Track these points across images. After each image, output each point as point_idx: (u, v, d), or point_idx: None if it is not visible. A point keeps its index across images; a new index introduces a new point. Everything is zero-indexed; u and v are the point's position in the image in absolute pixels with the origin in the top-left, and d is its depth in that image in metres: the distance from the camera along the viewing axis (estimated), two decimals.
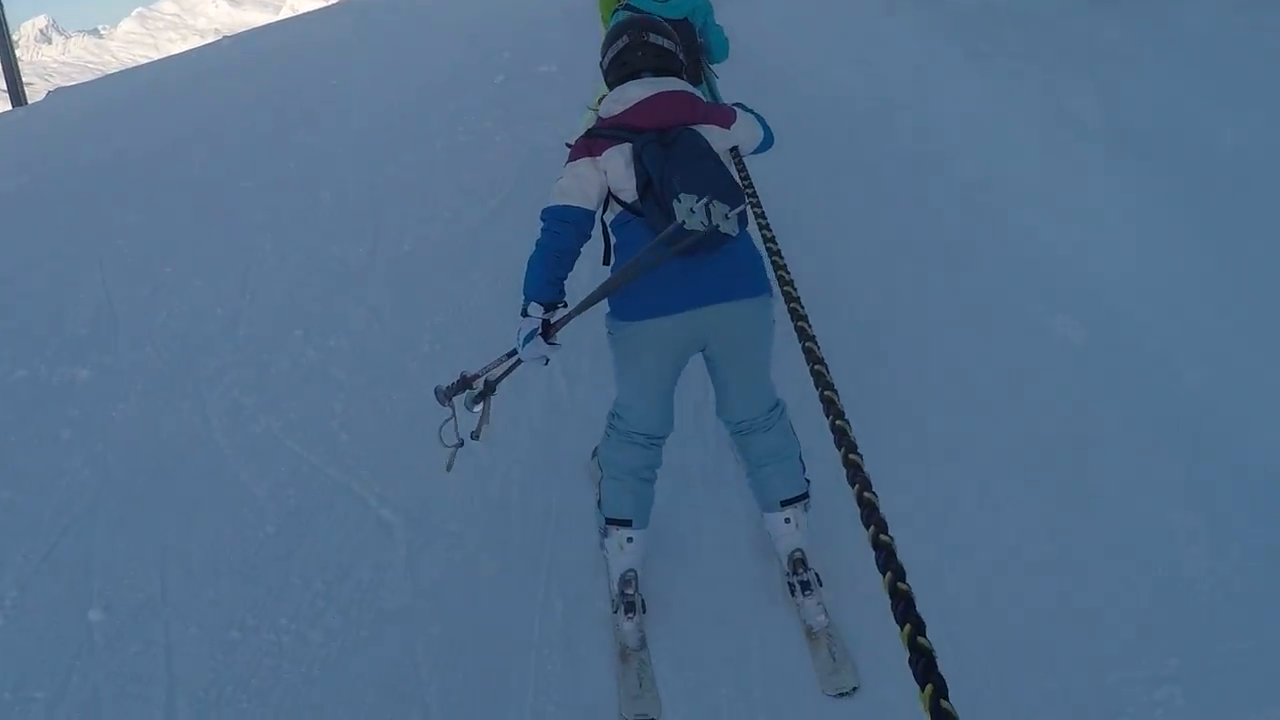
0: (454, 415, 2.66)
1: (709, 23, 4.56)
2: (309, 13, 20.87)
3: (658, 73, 2.78)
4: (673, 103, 2.67)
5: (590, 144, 2.67)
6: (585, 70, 6.05)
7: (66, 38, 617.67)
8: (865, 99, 6.69)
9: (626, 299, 2.58)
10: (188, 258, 5.61)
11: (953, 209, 5.06)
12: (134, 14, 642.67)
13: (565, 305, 2.58)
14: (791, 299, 2.14)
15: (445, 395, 2.64)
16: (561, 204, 2.60)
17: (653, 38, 2.80)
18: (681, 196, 2.17)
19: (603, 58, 2.91)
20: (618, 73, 2.82)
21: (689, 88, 2.78)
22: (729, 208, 2.13)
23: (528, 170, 6.20)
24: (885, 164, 5.72)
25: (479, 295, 4.79)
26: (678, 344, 2.66)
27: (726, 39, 4.69)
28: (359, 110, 8.28)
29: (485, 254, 5.21)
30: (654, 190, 2.51)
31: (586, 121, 3.51)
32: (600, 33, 4.01)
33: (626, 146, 2.61)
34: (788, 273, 2.30)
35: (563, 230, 2.60)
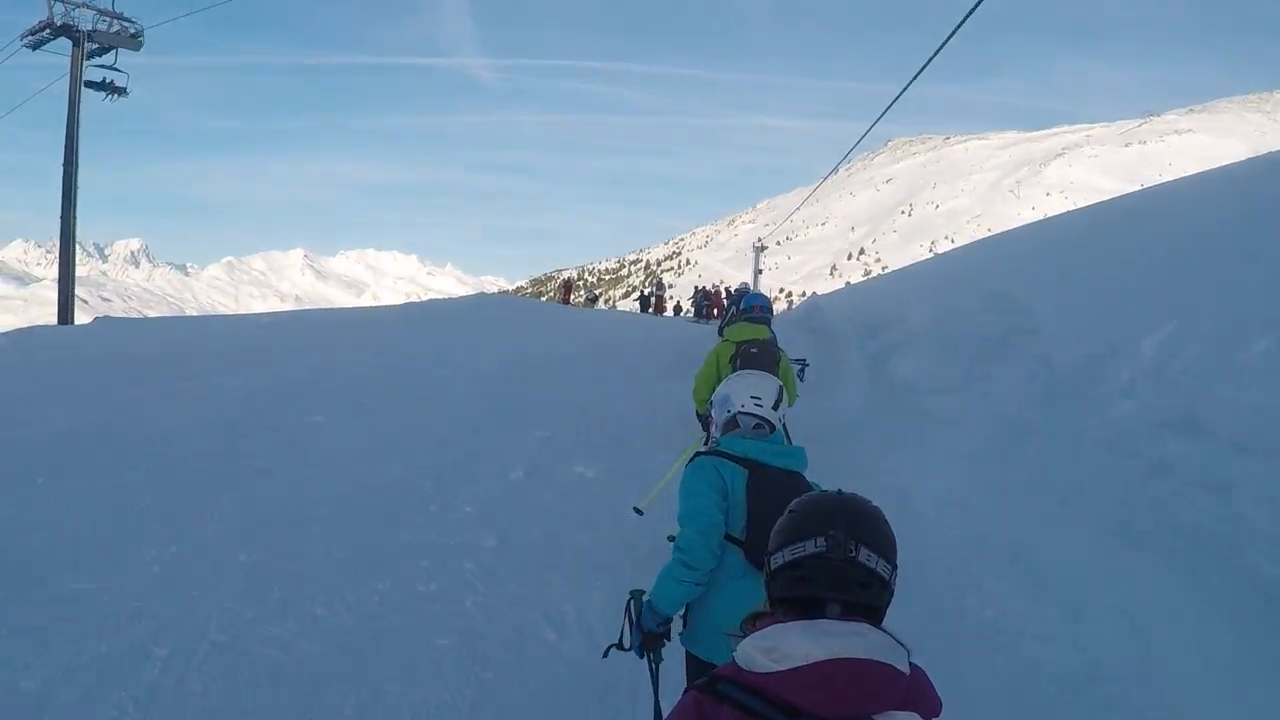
0: None
1: None
2: (380, 308, 23.21)
3: (849, 609, 1.79)
4: (865, 677, 1.67)
5: (698, 713, 1.75)
6: (631, 478, 7.38)
7: (155, 266, 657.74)
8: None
9: None
10: None
11: None
12: (223, 261, 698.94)
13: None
14: None
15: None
16: None
17: (864, 555, 1.79)
18: None
19: (772, 553, 1.90)
20: (783, 587, 1.85)
21: (892, 645, 1.73)
22: None
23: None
24: None
25: None
26: None
27: None
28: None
29: None
30: None
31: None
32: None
33: None
34: None
35: None
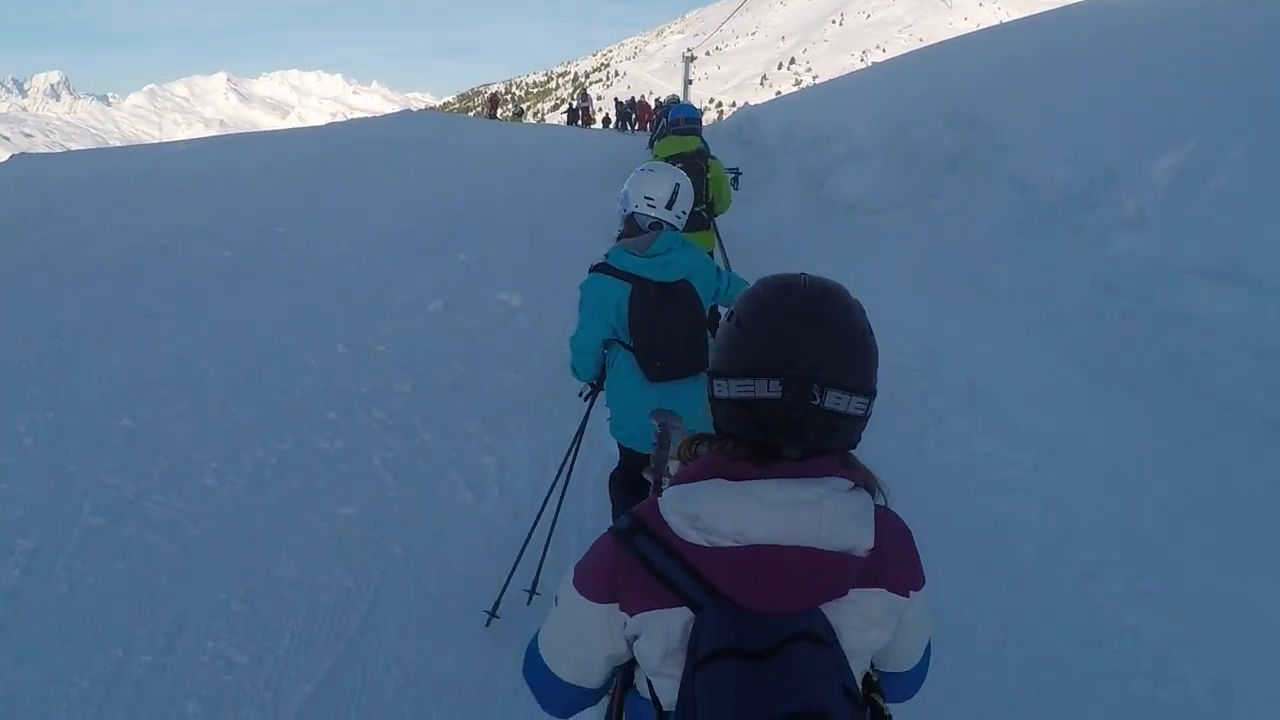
0: None
1: (731, 282, 3.54)
2: (306, 129, 21.09)
3: (812, 452, 1.40)
4: (808, 571, 1.32)
5: (613, 566, 1.43)
6: (558, 302, 6.46)
7: (75, 98, 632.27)
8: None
9: None
10: None
11: None
12: (145, 89, 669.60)
13: None
14: None
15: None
16: (546, 668, 1.54)
17: (831, 400, 1.35)
18: None
19: (715, 374, 1.44)
20: (730, 423, 1.43)
21: (854, 515, 1.34)
22: None
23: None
24: None
25: None
26: None
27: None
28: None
29: None
30: None
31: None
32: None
33: (687, 615, 1.35)
34: None
35: None
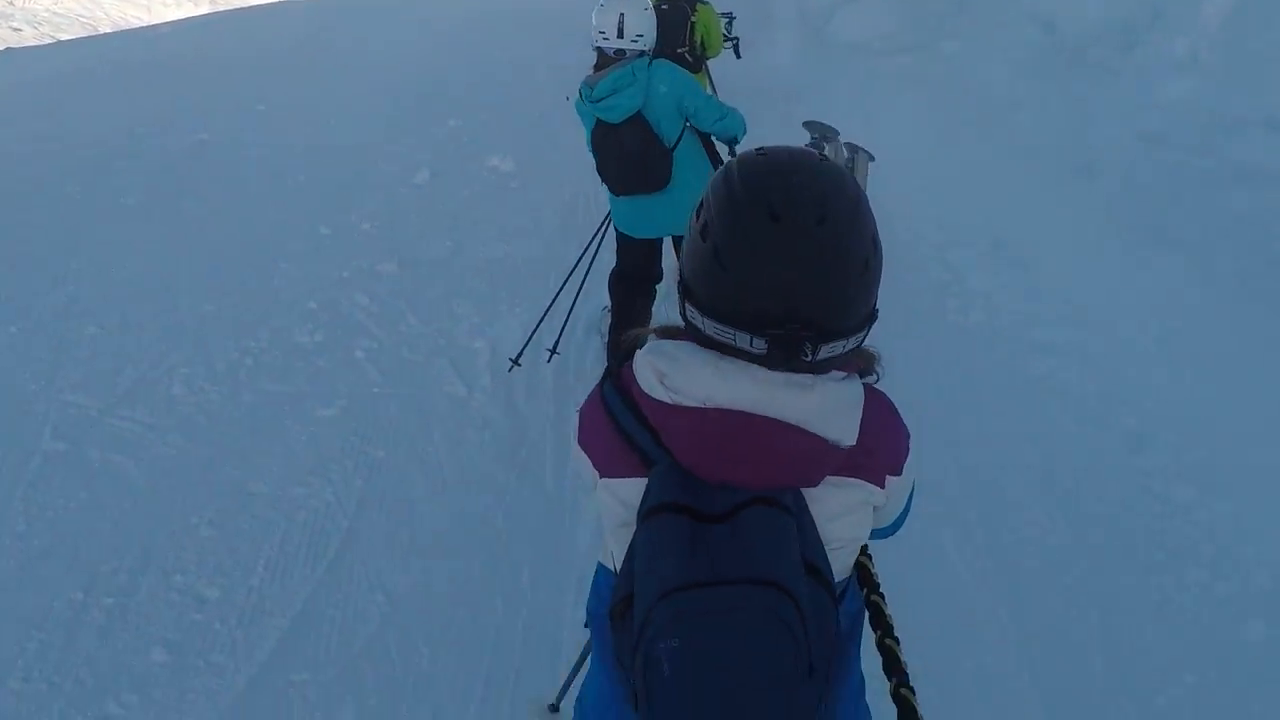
0: None
1: (700, 107, 3.52)
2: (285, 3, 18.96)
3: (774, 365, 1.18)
4: (777, 447, 1.17)
5: (589, 419, 1.34)
6: (553, 164, 6.15)
7: None
8: None
9: None
10: None
11: None
12: None
13: None
14: None
15: None
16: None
17: (826, 351, 1.17)
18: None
19: (686, 296, 1.22)
20: (698, 303, 1.19)
21: (844, 405, 1.19)
22: None
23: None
24: None
25: None
26: None
27: (735, 115, 3.65)
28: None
29: None
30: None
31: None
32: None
33: (641, 482, 1.21)
34: None
35: None
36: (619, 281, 4.06)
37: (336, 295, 5.09)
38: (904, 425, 1.35)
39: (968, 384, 4.09)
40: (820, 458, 1.18)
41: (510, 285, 5.15)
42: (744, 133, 3.69)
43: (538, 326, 4.21)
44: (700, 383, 1.17)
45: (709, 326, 1.18)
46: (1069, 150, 5.83)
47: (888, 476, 1.29)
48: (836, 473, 1.21)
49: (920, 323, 4.50)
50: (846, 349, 1.18)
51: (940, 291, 4.88)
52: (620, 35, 3.44)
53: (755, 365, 1.17)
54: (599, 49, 3.52)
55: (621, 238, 3.93)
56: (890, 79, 8.11)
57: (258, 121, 8.47)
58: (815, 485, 1.19)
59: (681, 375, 1.18)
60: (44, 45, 17.50)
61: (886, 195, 4.05)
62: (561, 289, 4.28)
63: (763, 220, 1.11)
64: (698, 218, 1.20)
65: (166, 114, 8.71)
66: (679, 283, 1.24)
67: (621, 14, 3.44)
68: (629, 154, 3.47)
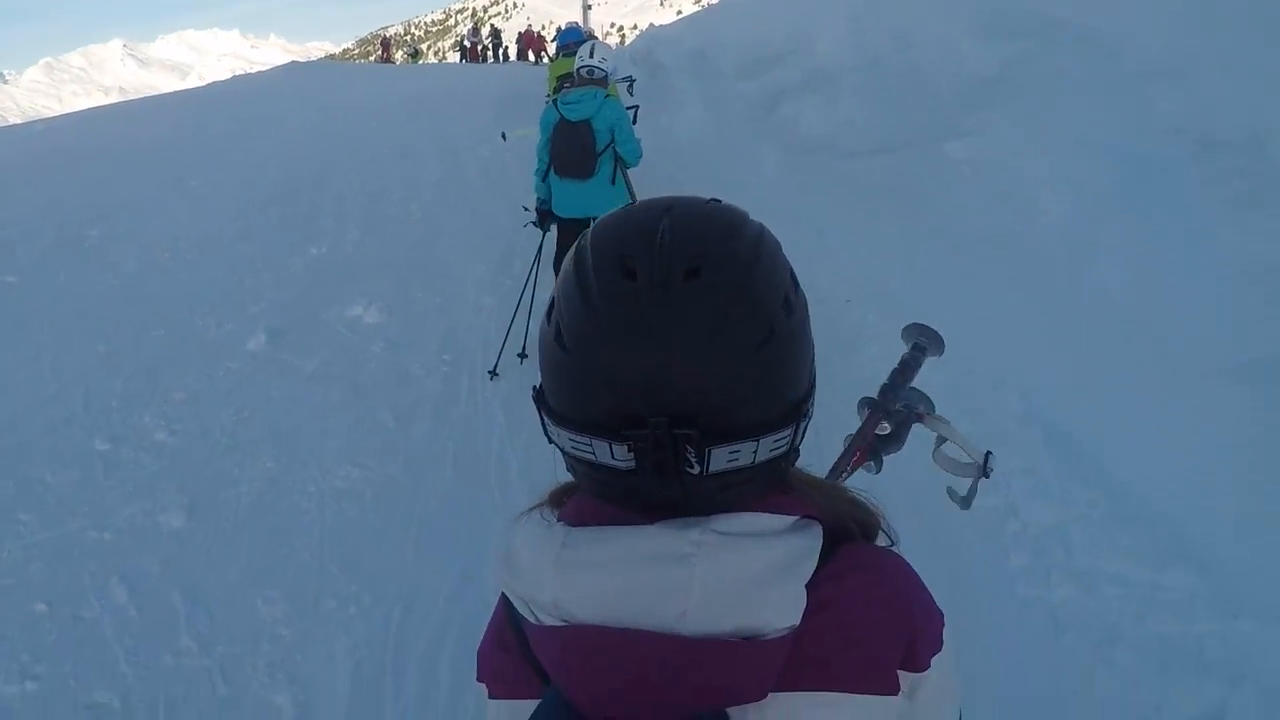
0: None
1: (621, 134, 4.79)
2: (213, 84, 19.91)
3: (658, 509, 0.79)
4: (652, 671, 0.73)
5: (495, 657, 0.88)
6: (432, 322, 5.18)
7: None
8: None
9: None
10: None
11: None
12: (41, 63, 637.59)
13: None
14: None
15: None
16: None
17: (717, 461, 0.76)
18: None
19: (541, 401, 0.83)
20: (572, 470, 0.85)
21: (765, 570, 0.75)
22: None
23: None
24: None
25: None
26: None
27: (639, 147, 4.89)
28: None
29: None
30: None
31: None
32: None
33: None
34: None
35: None
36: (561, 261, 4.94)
37: (79, 583, 3.28)
38: (931, 600, 0.87)
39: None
40: (731, 662, 0.73)
41: (346, 563, 3.35)
42: (636, 161, 4.92)
43: (505, 340, 4.97)
44: (540, 584, 0.79)
45: (565, 440, 0.80)
46: (1206, 344, 3.53)
47: (900, 674, 0.80)
48: (790, 684, 0.75)
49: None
50: (758, 457, 0.77)
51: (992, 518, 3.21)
52: (590, 55, 4.99)
53: (625, 533, 0.78)
54: (577, 71, 5.03)
55: (561, 223, 4.99)
56: (872, 191, 6.02)
57: (77, 257, 6.98)
58: (761, 697, 0.74)
59: (524, 578, 0.81)
60: None
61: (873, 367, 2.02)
62: (520, 298, 5.08)
63: (612, 278, 0.76)
64: (546, 311, 0.83)
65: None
66: (533, 395, 0.85)
67: (592, 45, 5.12)
68: (575, 146, 4.73)
